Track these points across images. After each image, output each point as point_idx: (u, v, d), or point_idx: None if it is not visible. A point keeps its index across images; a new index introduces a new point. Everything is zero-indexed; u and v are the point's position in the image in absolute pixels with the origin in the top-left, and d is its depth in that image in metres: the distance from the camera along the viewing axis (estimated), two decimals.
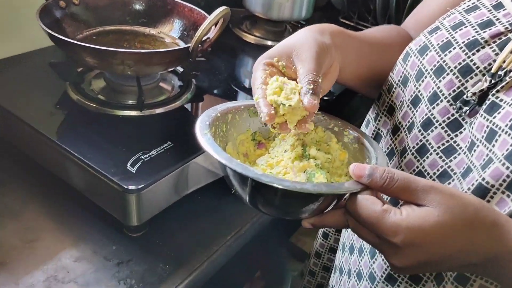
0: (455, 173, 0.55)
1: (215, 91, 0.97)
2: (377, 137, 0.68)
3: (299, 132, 0.55)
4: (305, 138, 0.58)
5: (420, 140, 0.57)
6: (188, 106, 0.89)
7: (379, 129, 0.68)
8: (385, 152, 0.65)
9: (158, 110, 0.84)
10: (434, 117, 0.56)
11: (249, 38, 1.23)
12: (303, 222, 0.51)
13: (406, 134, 0.60)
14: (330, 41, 0.56)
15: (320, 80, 0.51)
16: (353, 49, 0.62)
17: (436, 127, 0.56)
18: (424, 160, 0.57)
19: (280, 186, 0.45)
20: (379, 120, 0.67)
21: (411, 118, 0.60)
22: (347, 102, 1.09)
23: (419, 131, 0.58)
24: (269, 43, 1.23)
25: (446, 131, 0.55)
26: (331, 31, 0.58)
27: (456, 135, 0.54)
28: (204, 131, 0.52)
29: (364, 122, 0.73)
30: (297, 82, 0.53)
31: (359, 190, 0.46)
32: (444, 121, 0.55)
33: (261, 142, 0.61)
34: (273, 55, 0.54)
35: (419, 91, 0.58)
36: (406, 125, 0.61)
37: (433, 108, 0.56)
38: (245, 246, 0.79)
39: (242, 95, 0.97)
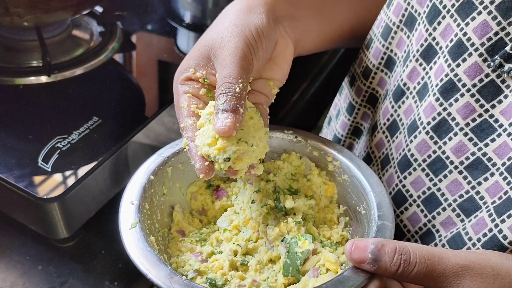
0: (494, 164, 0.44)
1: (149, 29, 0.85)
2: (372, 98, 0.59)
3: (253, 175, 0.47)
4: (276, 177, 0.51)
5: (439, 114, 0.47)
6: (118, 60, 0.76)
7: (375, 89, 0.58)
8: (384, 125, 0.55)
9: (75, 71, 0.70)
10: (460, 79, 0.45)
11: None
12: None
13: (415, 103, 0.50)
14: (265, 17, 0.48)
15: (238, 89, 0.43)
16: (310, 8, 0.54)
17: (463, 94, 0.45)
18: (445, 143, 0.47)
19: None
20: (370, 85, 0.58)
21: (422, 78, 0.49)
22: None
23: (437, 99, 0.46)
24: None
25: (478, 100, 0.44)
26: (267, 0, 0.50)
27: (493, 106, 0.44)
28: (129, 221, 0.44)
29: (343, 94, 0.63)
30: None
31: (362, 285, 0.39)
32: (474, 86, 0.44)
33: (220, 188, 0.54)
34: (189, 65, 0.47)
35: (433, 39, 0.47)
36: (413, 89, 0.50)
37: (458, 66, 0.45)
38: None
39: (184, 33, 0.84)
